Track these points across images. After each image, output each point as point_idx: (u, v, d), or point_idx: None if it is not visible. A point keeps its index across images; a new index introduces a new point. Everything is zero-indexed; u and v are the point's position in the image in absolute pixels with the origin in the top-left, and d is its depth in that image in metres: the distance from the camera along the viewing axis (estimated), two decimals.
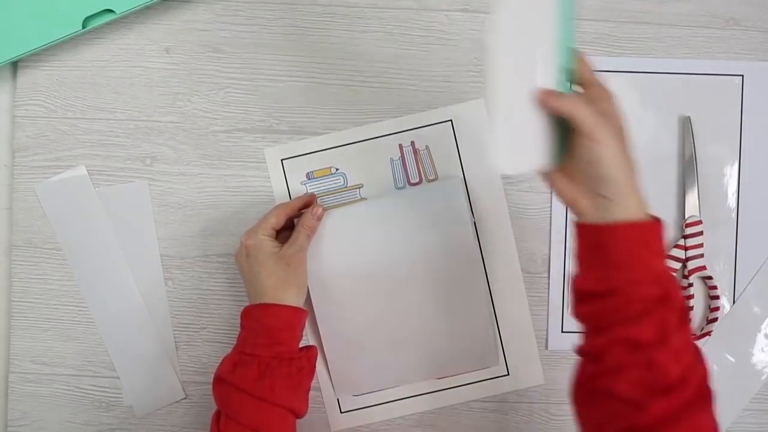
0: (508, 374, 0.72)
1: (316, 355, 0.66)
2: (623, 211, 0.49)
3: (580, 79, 0.53)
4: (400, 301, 0.69)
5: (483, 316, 0.70)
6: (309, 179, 0.72)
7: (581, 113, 0.49)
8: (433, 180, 0.72)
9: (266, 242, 0.65)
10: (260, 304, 0.62)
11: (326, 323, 0.69)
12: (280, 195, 0.72)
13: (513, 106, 0.52)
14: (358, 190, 0.72)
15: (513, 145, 0.53)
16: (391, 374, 0.70)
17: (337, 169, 0.72)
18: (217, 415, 0.61)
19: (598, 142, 0.49)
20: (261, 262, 0.64)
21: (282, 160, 0.72)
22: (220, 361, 0.63)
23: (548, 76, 0.52)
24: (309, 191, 0.72)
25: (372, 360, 0.70)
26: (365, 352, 0.69)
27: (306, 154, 0.73)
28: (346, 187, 0.72)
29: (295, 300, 0.63)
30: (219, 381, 0.62)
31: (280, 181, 0.73)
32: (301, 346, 0.64)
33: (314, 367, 0.65)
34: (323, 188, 0.72)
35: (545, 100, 0.51)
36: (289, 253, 0.64)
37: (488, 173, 0.72)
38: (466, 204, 0.69)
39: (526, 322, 0.72)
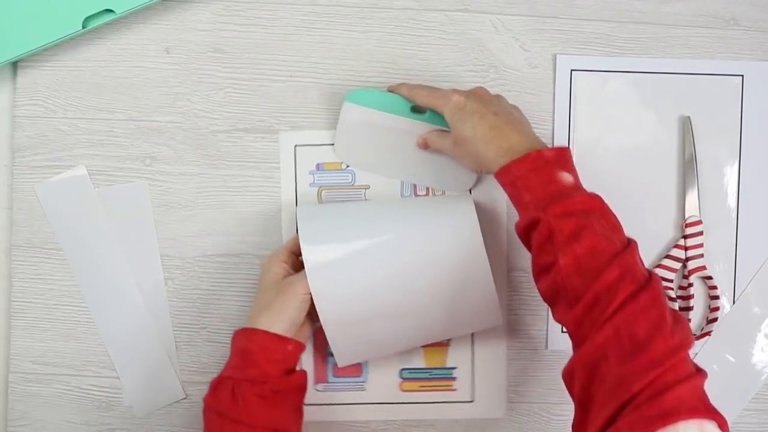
0: (472, 401, 0.72)
1: (303, 377, 0.64)
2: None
3: (420, 103, 0.68)
4: (400, 276, 0.65)
5: (483, 277, 0.66)
6: (318, 170, 0.72)
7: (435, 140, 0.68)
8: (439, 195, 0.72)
9: (275, 265, 0.65)
10: (242, 327, 0.63)
11: (324, 299, 0.64)
12: (286, 181, 0.72)
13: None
14: (364, 191, 0.72)
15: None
16: (391, 342, 0.67)
17: (347, 166, 0.72)
18: None
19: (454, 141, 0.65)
20: (261, 284, 0.65)
21: (296, 146, 0.72)
22: (220, 365, 0.63)
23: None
24: (315, 182, 0.72)
25: (373, 328, 0.65)
26: (366, 321, 0.64)
27: (321, 144, 0.72)
28: (353, 185, 0.72)
29: (269, 325, 0.61)
30: (204, 407, 0.62)
31: (289, 166, 0.72)
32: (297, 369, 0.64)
33: (300, 388, 0.64)
34: (330, 182, 0.72)
35: (422, 145, 0.69)
36: (287, 282, 0.63)
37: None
38: (476, 223, 0.65)
39: (501, 350, 0.72)
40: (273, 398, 0.60)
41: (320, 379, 0.72)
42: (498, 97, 0.66)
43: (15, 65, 0.72)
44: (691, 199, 0.72)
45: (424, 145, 0.69)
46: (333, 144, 0.72)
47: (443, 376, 0.72)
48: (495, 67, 0.73)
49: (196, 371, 0.72)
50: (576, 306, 0.53)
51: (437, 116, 0.67)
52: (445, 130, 0.67)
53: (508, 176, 0.59)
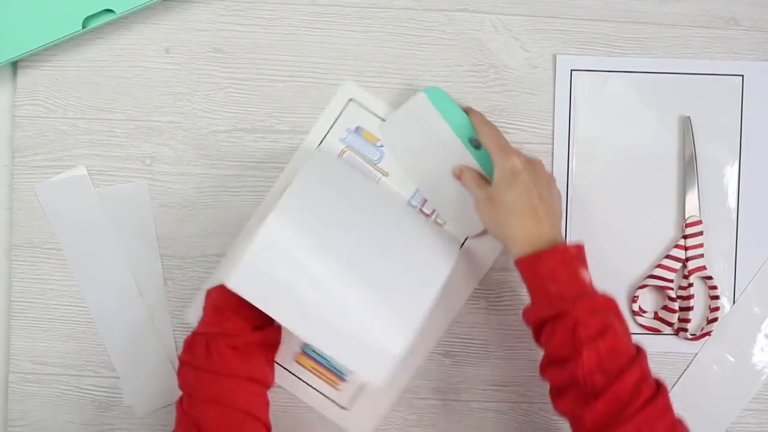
0: (346, 409, 0.72)
1: (276, 332, 0.64)
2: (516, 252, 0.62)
3: (482, 141, 0.67)
4: (353, 270, 0.63)
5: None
6: (355, 132, 0.72)
7: (472, 189, 0.67)
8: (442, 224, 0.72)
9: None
10: (216, 285, 0.63)
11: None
12: (322, 124, 0.72)
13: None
14: (381, 176, 0.72)
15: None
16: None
17: (382, 146, 0.72)
18: (180, 401, 0.62)
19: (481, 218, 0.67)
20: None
21: (349, 100, 0.72)
22: None
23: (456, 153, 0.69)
24: (346, 140, 0.72)
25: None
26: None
27: (373, 113, 0.72)
28: (375, 164, 0.72)
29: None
30: (179, 365, 0.62)
31: (334, 112, 0.72)
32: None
33: (273, 343, 0.64)
34: (358, 149, 0.72)
35: (456, 174, 0.69)
36: None
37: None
38: (449, 271, 0.65)
39: (396, 391, 0.72)
40: (246, 350, 0.61)
41: None
42: (551, 178, 0.66)
43: (15, 65, 0.72)
44: (691, 199, 0.72)
45: (458, 176, 0.69)
46: (384, 120, 0.72)
47: (336, 372, 0.72)
48: (495, 67, 0.73)
49: None
50: (595, 402, 0.55)
51: (488, 160, 0.66)
52: (485, 178, 0.67)
53: (535, 265, 0.60)
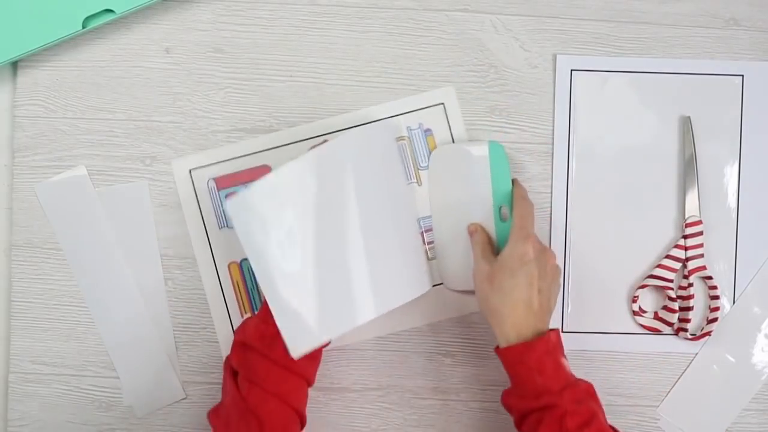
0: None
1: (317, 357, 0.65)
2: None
3: (513, 214, 0.66)
4: (336, 243, 0.63)
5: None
6: (422, 130, 0.73)
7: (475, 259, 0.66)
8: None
9: None
10: None
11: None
12: (396, 106, 0.72)
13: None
14: (416, 182, 0.72)
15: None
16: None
17: (426, 167, 0.73)
18: (233, 377, 0.61)
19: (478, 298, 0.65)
20: None
21: (440, 103, 0.72)
22: (241, 325, 0.64)
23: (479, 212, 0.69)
24: (409, 132, 0.72)
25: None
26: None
27: (450, 128, 0.73)
28: (419, 169, 0.72)
29: None
30: (243, 346, 0.62)
31: (413, 104, 0.72)
32: None
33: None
34: (415, 145, 0.73)
35: (470, 231, 0.68)
36: None
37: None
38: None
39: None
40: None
41: None
42: (557, 272, 0.65)
43: (15, 65, 0.72)
44: (691, 199, 0.72)
45: (470, 233, 0.68)
46: (445, 144, 0.72)
47: (251, 302, 0.72)
48: (495, 67, 0.73)
49: (196, 371, 0.72)
50: None
51: (506, 236, 0.65)
52: (493, 250, 0.67)
53: (522, 356, 0.60)
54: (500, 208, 0.68)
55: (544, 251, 0.63)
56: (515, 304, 0.61)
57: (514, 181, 0.69)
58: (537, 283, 0.61)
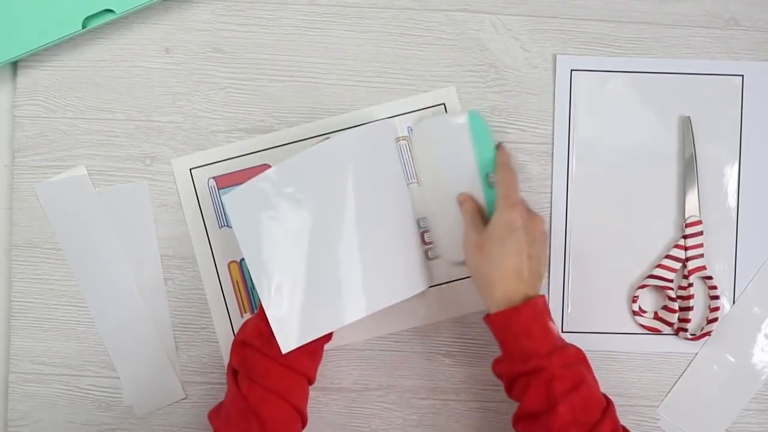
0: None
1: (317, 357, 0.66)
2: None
3: (496, 181, 0.66)
4: (330, 241, 0.63)
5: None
6: (408, 133, 0.73)
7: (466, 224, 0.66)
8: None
9: None
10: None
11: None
12: (396, 106, 0.72)
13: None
14: (416, 182, 0.72)
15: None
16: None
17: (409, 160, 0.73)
18: (234, 375, 0.61)
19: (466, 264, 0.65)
20: None
21: (441, 103, 0.72)
22: (242, 325, 0.64)
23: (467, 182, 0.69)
24: (409, 132, 0.72)
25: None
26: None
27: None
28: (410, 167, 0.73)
29: None
30: (243, 344, 0.62)
31: (414, 104, 0.72)
32: None
33: (330, 335, 0.65)
34: (414, 144, 0.72)
35: (459, 201, 0.68)
36: None
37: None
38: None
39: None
40: (314, 343, 0.62)
41: None
42: (545, 238, 0.65)
43: (15, 65, 0.72)
44: (691, 199, 0.72)
45: (460, 203, 0.68)
46: (428, 117, 0.72)
47: (251, 301, 0.72)
48: (495, 67, 0.73)
49: (196, 371, 0.72)
50: None
51: (494, 201, 0.65)
52: (483, 217, 0.66)
53: (508, 321, 0.60)
54: (488, 175, 0.68)
55: (532, 218, 0.63)
56: (505, 272, 0.61)
57: (498, 147, 0.68)
58: (526, 249, 0.61)
